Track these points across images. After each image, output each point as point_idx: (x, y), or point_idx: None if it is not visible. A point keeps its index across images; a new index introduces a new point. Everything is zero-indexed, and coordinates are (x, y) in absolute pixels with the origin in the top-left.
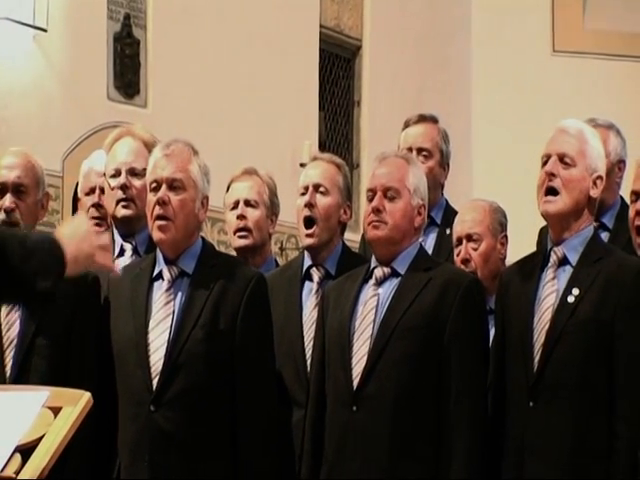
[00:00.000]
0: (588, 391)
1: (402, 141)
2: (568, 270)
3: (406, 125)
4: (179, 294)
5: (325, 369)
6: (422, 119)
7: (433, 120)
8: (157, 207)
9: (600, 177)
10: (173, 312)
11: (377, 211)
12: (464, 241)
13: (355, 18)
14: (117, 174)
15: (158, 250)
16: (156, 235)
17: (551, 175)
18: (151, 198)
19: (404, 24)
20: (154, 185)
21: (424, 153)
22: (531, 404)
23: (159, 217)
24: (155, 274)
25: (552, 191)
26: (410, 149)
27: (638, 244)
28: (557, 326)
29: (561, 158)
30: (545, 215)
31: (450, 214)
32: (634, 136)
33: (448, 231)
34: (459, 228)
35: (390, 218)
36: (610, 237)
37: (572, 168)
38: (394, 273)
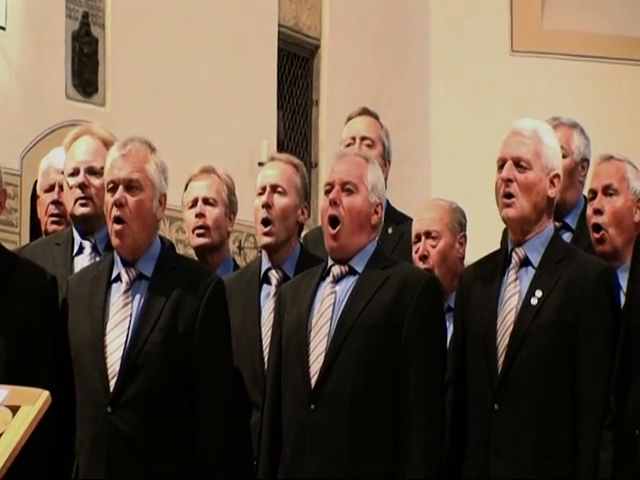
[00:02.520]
0: (552, 392)
1: (346, 131)
2: (530, 272)
3: (349, 119)
4: (137, 296)
5: (282, 368)
6: (366, 112)
7: (375, 116)
8: (114, 209)
9: (557, 175)
10: (131, 315)
11: (334, 204)
12: (423, 238)
13: (314, 17)
14: (76, 173)
15: (116, 252)
16: (114, 240)
17: (507, 181)
18: (108, 198)
19: (363, 23)
20: (111, 185)
21: (367, 142)
22: (496, 407)
23: (116, 219)
24: (114, 277)
25: (509, 196)
26: (354, 139)
27: (596, 246)
28: (521, 328)
29: (516, 162)
30: (506, 219)
31: (391, 213)
32: (592, 136)
33: (390, 230)
34: (418, 226)
35: (347, 214)
36: (573, 237)
37: (528, 171)
38: (351, 271)
